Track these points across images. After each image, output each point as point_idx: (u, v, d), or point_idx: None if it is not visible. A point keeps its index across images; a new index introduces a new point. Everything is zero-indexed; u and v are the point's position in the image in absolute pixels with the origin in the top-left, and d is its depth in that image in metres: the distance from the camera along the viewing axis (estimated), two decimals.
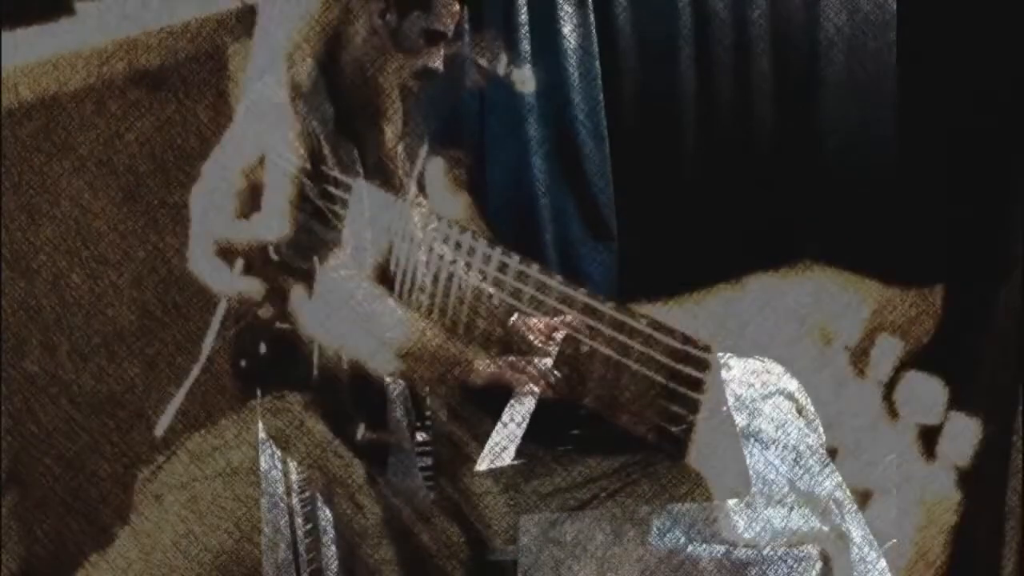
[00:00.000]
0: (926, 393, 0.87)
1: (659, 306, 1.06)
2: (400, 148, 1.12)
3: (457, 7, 1.10)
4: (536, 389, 0.96)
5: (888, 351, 0.89)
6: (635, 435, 0.92)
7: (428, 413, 1.16)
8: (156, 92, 1.71)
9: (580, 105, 1.14)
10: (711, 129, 1.13)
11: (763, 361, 1.09)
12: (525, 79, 1.07)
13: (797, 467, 1.04)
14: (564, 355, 0.94)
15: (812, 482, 1.04)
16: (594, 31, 1.13)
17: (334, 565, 1.19)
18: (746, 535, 1.04)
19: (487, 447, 0.98)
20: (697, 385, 0.88)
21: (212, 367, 1.18)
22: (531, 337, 0.95)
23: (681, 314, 1.07)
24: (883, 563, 1.04)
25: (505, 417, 0.98)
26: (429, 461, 1.17)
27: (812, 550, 1.04)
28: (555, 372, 0.95)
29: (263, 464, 1.20)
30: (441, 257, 1.02)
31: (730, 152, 1.14)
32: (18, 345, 1.71)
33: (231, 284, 1.14)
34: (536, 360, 0.95)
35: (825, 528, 1.04)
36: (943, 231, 1.13)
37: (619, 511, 1.11)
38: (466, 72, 1.10)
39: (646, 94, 1.15)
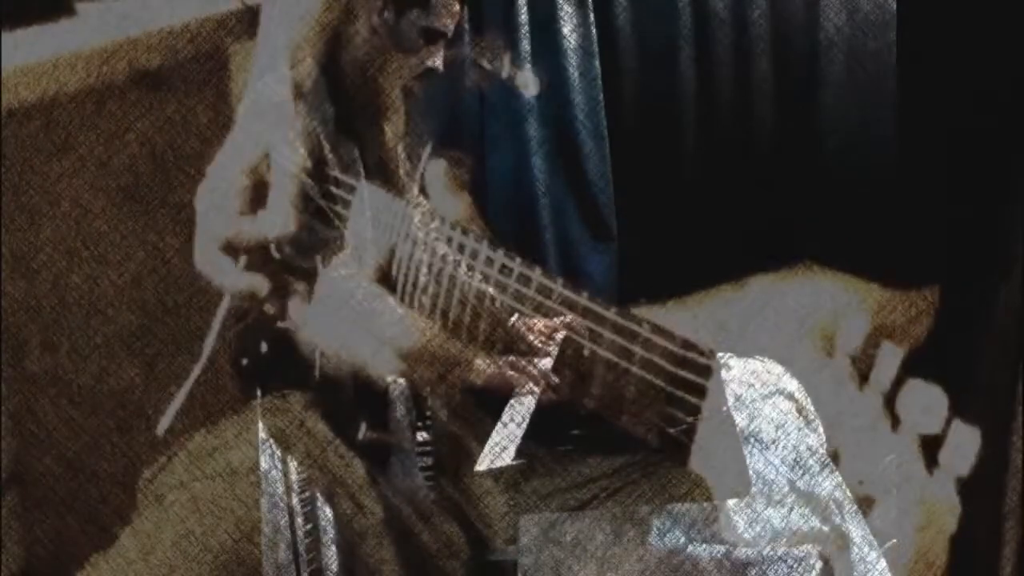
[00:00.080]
0: (927, 401, 0.87)
1: (659, 307, 1.06)
2: (400, 148, 1.12)
3: (457, 7, 1.10)
4: (536, 389, 0.97)
5: (889, 356, 0.89)
6: (636, 436, 0.92)
7: (429, 413, 1.16)
8: (156, 92, 1.71)
9: (580, 105, 1.14)
10: (711, 129, 1.13)
11: (763, 361, 1.09)
12: (528, 83, 1.07)
13: (797, 467, 1.04)
14: (565, 356, 0.94)
15: (812, 482, 1.04)
16: (594, 31, 1.14)
17: (334, 565, 1.19)
18: (746, 535, 1.04)
19: (487, 447, 0.98)
20: (698, 390, 0.88)
21: (213, 367, 1.18)
22: (531, 338, 0.95)
23: (681, 315, 1.07)
24: (883, 563, 1.04)
25: (505, 417, 0.98)
26: (430, 461, 1.17)
27: (812, 550, 1.04)
28: (556, 374, 0.95)
29: (263, 464, 1.20)
30: (443, 258, 1.02)
31: (730, 152, 1.14)
32: (18, 345, 1.71)
33: (236, 280, 1.14)
34: (536, 361, 0.95)
35: (825, 528, 1.04)
36: (943, 231, 1.13)
37: (619, 511, 1.11)
38: (466, 73, 1.10)
39: (646, 94, 1.15)
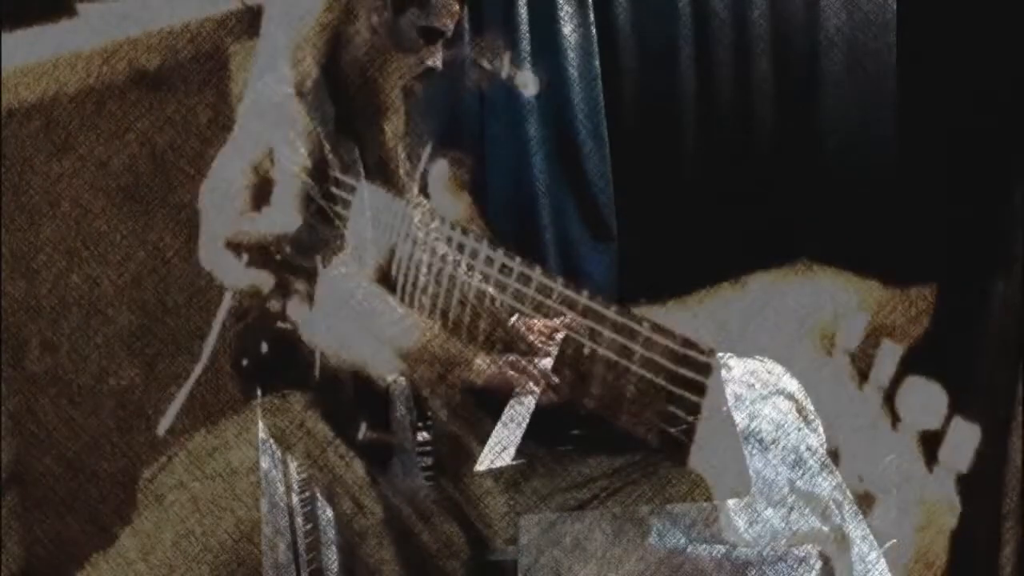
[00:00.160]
0: (927, 398, 0.87)
1: (659, 306, 1.06)
2: (400, 148, 1.12)
3: (456, 7, 1.10)
4: (536, 389, 0.97)
5: (889, 355, 0.89)
6: (636, 436, 0.92)
7: (429, 413, 1.16)
8: (156, 92, 1.71)
9: (580, 105, 1.14)
10: (711, 129, 1.13)
11: (763, 361, 1.09)
12: (527, 82, 1.07)
13: (797, 467, 1.04)
14: (565, 356, 0.94)
15: (812, 482, 1.04)
16: (594, 31, 1.14)
17: (334, 565, 1.19)
18: (746, 535, 1.04)
19: (487, 447, 0.98)
20: (699, 388, 0.88)
21: (213, 367, 1.18)
22: (531, 338, 0.95)
23: (681, 314, 1.07)
24: (883, 563, 1.04)
25: (505, 417, 0.98)
26: (430, 461, 1.17)
27: (812, 550, 1.04)
28: (556, 373, 0.95)
29: (263, 464, 1.20)
30: (443, 258, 1.02)
31: (730, 152, 1.14)
32: (18, 345, 1.71)
33: (241, 277, 1.14)
34: (536, 360, 0.95)
35: (825, 528, 1.04)
36: (942, 230, 1.13)
37: (619, 511, 1.11)
38: (466, 73, 1.10)
39: (646, 94, 1.15)
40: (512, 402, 0.98)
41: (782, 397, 1.10)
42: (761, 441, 1.07)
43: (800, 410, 1.12)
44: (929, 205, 1.12)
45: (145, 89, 1.68)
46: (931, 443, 0.89)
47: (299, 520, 1.18)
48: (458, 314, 1.01)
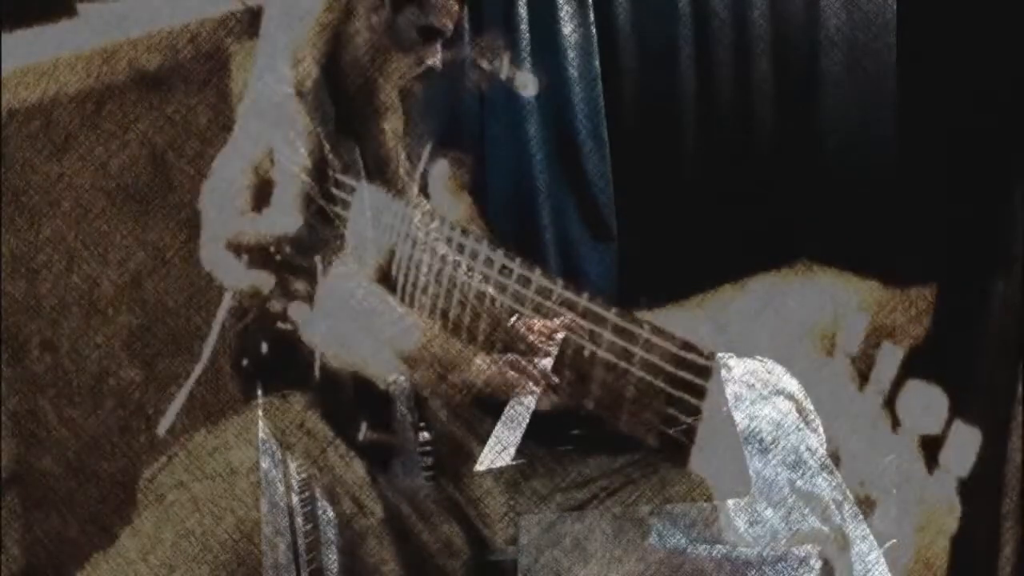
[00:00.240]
0: (927, 402, 0.87)
1: (660, 308, 1.06)
2: (401, 148, 1.12)
3: (456, 6, 1.10)
4: (536, 389, 0.96)
5: (889, 357, 0.89)
6: (635, 438, 0.92)
7: (429, 413, 1.16)
8: (156, 92, 1.71)
9: (580, 105, 1.14)
10: (711, 129, 1.13)
11: (763, 361, 1.09)
12: (527, 83, 1.07)
13: (797, 467, 1.04)
14: (565, 357, 0.94)
15: (812, 482, 1.04)
16: (594, 31, 1.14)
17: (334, 565, 1.19)
18: (746, 535, 1.04)
19: (487, 447, 0.98)
20: (698, 391, 0.88)
21: (213, 367, 1.18)
22: (531, 338, 0.95)
23: (681, 315, 1.07)
24: (883, 563, 1.04)
25: (505, 417, 0.98)
26: (430, 461, 1.17)
27: (812, 550, 1.04)
28: (555, 374, 0.95)
29: (263, 464, 1.20)
30: (443, 259, 1.02)
31: (730, 152, 1.14)
32: (18, 345, 1.71)
33: (242, 277, 1.14)
34: (536, 361, 0.95)
35: (825, 528, 1.04)
36: (942, 230, 1.13)
37: (619, 511, 1.11)
38: (466, 73, 1.10)
39: (646, 94, 1.15)
40: (512, 402, 0.98)
41: (782, 397, 1.10)
42: (761, 441, 1.07)
43: (800, 410, 1.12)
44: (929, 205, 1.12)
45: (145, 89, 1.68)
46: (932, 447, 0.89)
47: (299, 520, 1.18)
48: (458, 314, 1.01)
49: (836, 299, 1.07)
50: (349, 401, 1.14)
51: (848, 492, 1.06)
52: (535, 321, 0.95)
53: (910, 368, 0.88)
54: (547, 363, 0.95)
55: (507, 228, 1.12)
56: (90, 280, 1.70)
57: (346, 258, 1.12)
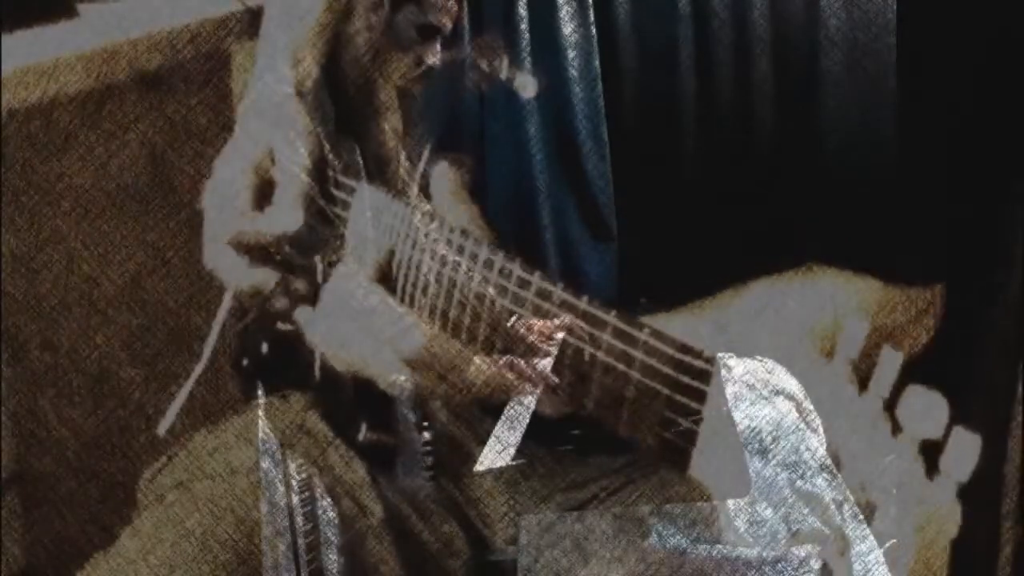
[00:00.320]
0: (928, 407, 0.87)
1: (661, 310, 1.06)
2: (401, 148, 1.12)
3: (455, 5, 1.10)
4: (536, 390, 0.96)
5: (890, 361, 0.89)
6: (634, 441, 0.92)
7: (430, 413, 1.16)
8: (156, 92, 1.71)
9: (580, 105, 1.14)
10: (711, 129, 1.13)
11: (763, 361, 1.09)
12: (526, 84, 1.07)
13: (797, 467, 1.04)
14: (565, 358, 0.94)
15: (812, 482, 1.04)
16: (594, 31, 1.13)
17: (334, 565, 1.19)
18: (746, 535, 1.04)
19: (487, 447, 0.98)
20: (699, 396, 0.88)
21: (213, 367, 1.18)
22: (531, 338, 0.95)
23: (680, 316, 1.07)
24: (883, 564, 1.04)
25: (505, 417, 0.98)
26: (431, 461, 1.17)
27: (812, 550, 1.04)
28: (555, 374, 0.95)
29: (263, 464, 1.20)
30: (443, 260, 1.02)
31: (730, 152, 1.14)
32: (18, 345, 1.71)
33: (245, 276, 1.14)
34: (536, 361, 0.95)
35: (825, 528, 1.04)
36: (943, 230, 1.13)
37: (619, 511, 1.11)
38: (466, 73, 1.10)
39: (646, 94, 1.15)
40: (512, 402, 0.98)
41: (782, 397, 1.10)
42: (761, 441, 1.07)
43: (800, 410, 1.12)
44: (929, 205, 1.12)
45: (145, 89, 1.69)
46: (932, 453, 0.88)
47: (299, 520, 1.18)
48: (458, 315, 1.01)
49: (836, 300, 1.07)
50: (349, 401, 1.14)
51: (848, 492, 1.06)
52: (535, 322, 0.95)
53: (911, 370, 0.88)
54: (547, 363, 0.95)
55: (507, 228, 1.12)
56: (90, 280, 1.70)
57: (346, 258, 1.12)
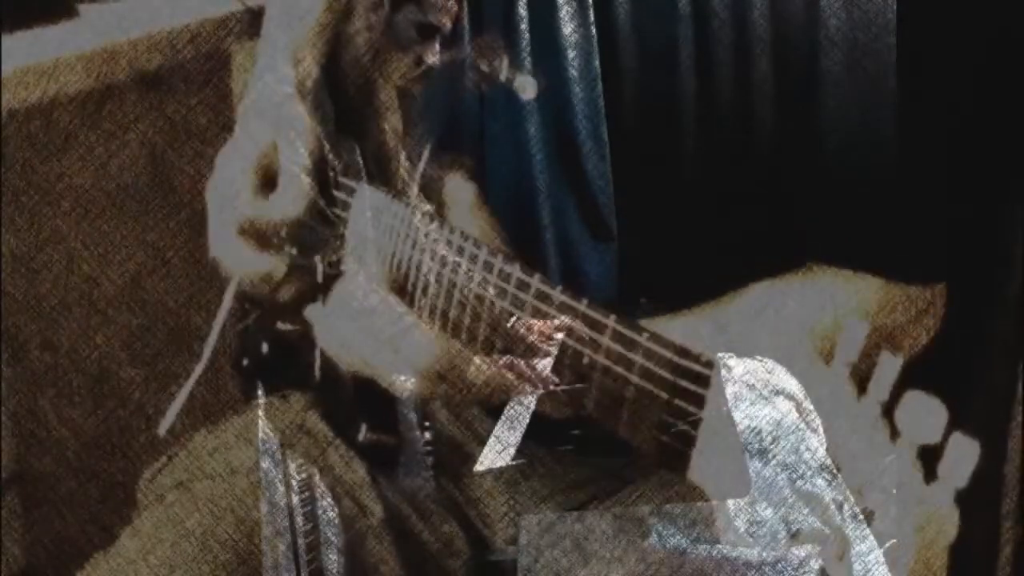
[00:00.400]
0: (926, 410, 0.87)
1: (660, 311, 1.05)
2: (401, 148, 1.12)
3: (455, 4, 1.10)
4: (535, 390, 0.96)
5: (889, 364, 0.88)
6: (635, 446, 0.92)
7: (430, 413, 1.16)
8: (156, 92, 1.71)
9: (580, 105, 1.14)
10: (711, 129, 1.13)
11: (763, 361, 1.09)
12: (526, 86, 1.07)
13: (797, 467, 1.04)
14: (564, 359, 0.94)
15: (812, 482, 1.04)
16: (594, 31, 1.13)
17: (334, 565, 1.19)
18: (746, 535, 1.04)
19: (487, 447, 0.98)
20: (697, 400, 0.88)
21: (213, 367, 1.18)
22: (531, 338, 0.95)
23: (680, 317, 1.07)
24: (883, 564, 1.04)
25: (505, 417, 0.98)
26: (431, 461, 1.17)
27: (812, 550, 1.04)
28: (555, 374, 0.95)
29: (263, 464, 1.20)
30: (443, 260, 1.02)
31: (730, 152, 1.13)
32: (18, 345, 1.71)
33: (254, 263, 1.14)
34: (535, 361, 0.95)
35: (825, 528, 1.04)
36: (943, 230, 1.13)
37: (619, 511, 1.11)
38: (466, 73, 1.10)
39: (646, 94, 1.15)
40: (512, 402, 0.98)
41: (782, 397, 1.10)
42: (761, 441, 1.07)
43: (800, 410, 1.12)
44: (929, 205, 1.11)
45: (145, 89, 1.69)
46: (930, 458, 0.88)
47: (299, 520, 1.19)
48: (458, 315, 1.01)
49: (836, 300, 1.07)
50: (349, 401, 1.14)
51: (848, 492, 1.06)
52: (534, 322, 0.95)
53: (910, 371, 0.88)
54: (546, 363, 0.95)
55: (507, 228, 1.12)
56: (90, 280, 1.70)
57: (346, 258, 1.12)
